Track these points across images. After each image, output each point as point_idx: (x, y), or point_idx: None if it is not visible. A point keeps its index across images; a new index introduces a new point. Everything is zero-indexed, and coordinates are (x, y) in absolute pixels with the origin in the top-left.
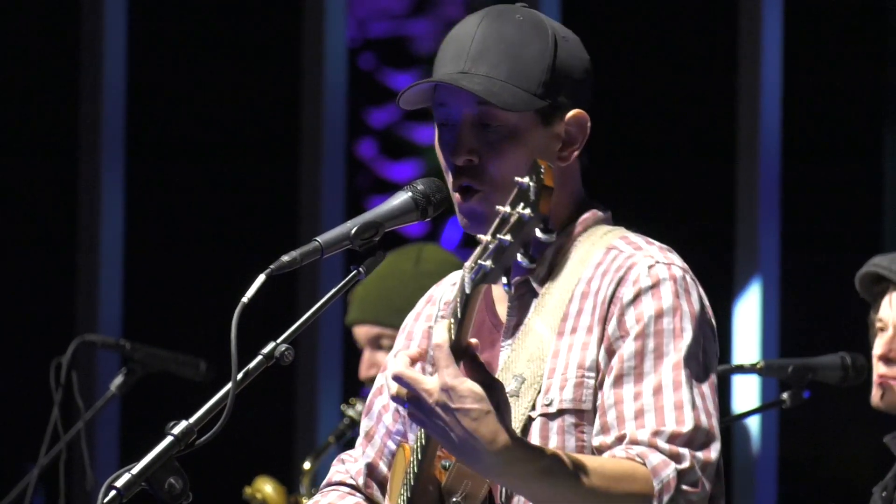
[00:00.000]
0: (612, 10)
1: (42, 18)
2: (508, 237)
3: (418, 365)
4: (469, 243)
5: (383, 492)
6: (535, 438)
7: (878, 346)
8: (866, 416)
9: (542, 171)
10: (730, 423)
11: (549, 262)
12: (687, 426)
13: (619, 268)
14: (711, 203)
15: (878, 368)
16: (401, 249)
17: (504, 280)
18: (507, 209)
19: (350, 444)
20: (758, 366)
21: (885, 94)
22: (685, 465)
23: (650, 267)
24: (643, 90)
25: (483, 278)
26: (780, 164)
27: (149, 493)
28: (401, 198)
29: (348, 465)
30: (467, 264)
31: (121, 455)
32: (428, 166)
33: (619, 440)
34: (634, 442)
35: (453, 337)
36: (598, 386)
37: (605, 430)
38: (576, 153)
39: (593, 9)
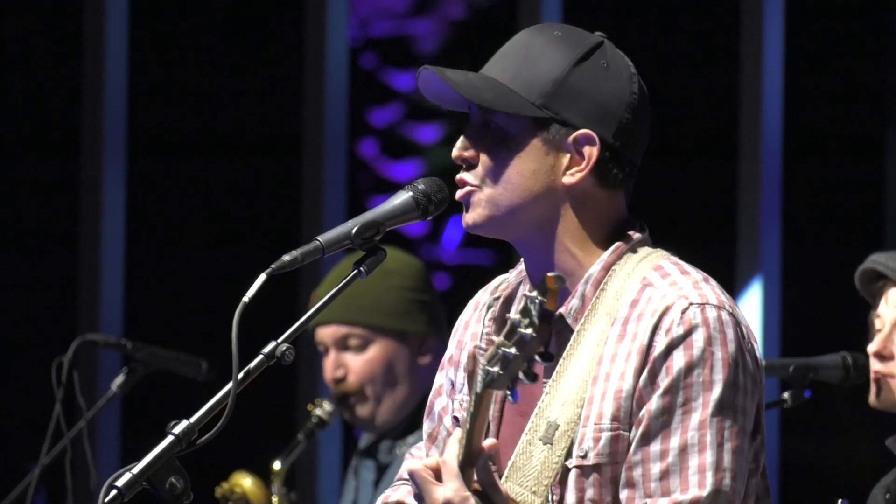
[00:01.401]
0: (613, 8)
1: (44, 17)
2: (513, 350)
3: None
4: (470, 243)
5: None
6: (570, 490)
7: (874, 344)
8: (868, 415)
9: (547, 293)
10: None
11: (582, 293)
12: (707, 490)
13: (655, 311)
14: (713, 201)
15: (873, 365)
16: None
17: (509, 389)
18: (518, 317)
19: (318, 441)
20: None
21: (887, 92)
22: None
23: (683, 311)
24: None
25: (490, 384)
26: (782, 162)
27: (150, 492)
28: (402, 197)
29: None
30: (480, 363)
31: (122, 454)
32: (429, 166)
33: None
34: None
35: (463, 447)
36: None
37: (630, 484)
38: (581, 174)
39: (594, 8)
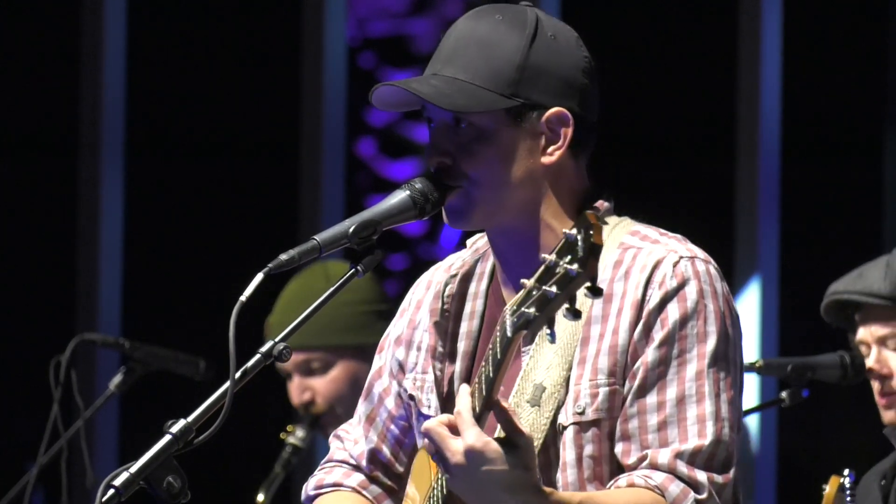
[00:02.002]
0: (611, 8)
1: (42, 17)
2: (554, 289)
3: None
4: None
5: (387, 475)
6: (569, 447)
7: (868, 365)
8: (865, 414)
9: (592, 228)
10: None
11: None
12: (708, 439)
13: (644, 267)
14: (711, 201)
15: (875, 387)
16: (304, 272)
17: (548, 330)
18: (553, 258)
19: (297, 471)
20: (757, 364)
21: (886, 93)
22: (703, 495)
23: (675, 264)
24: (643, 88)
25: (526, 325)
26: (780, 162)
27: (147, 491)
28: (399, 196)
29: (347, 445)
30: (508, 307)
31: (120, 454)
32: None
33: (641, 460)
34: (654, 466)
35: (481, 396)
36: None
37: (625, 437)
38: (559, 151)
39: (593, 7)
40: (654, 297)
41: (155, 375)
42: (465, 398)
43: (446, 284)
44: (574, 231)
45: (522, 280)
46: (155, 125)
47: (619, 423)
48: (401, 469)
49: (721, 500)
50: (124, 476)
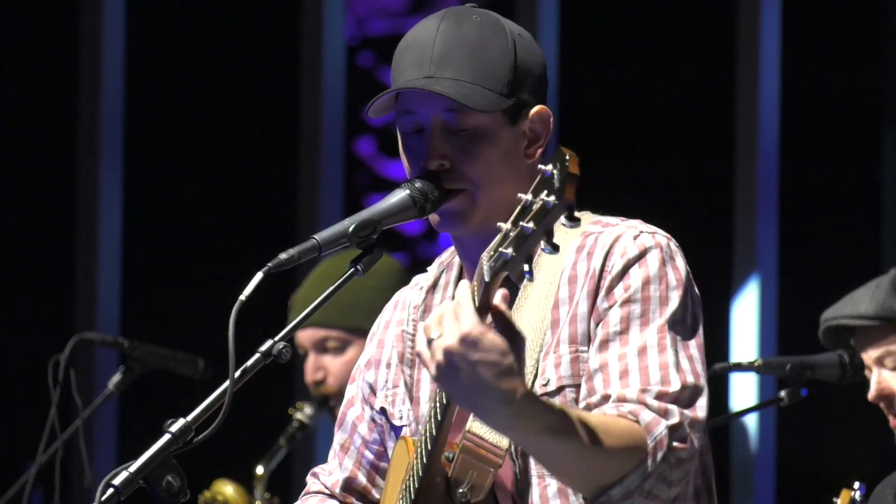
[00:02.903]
0: (610, 7)
1: (41, 16)
2: (531, 224)
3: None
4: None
5: (363, 501)
6: None
7: (870, 392)
8: (864, 413)
9: (567, 158)
10: (728, 421)
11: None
12: (673, 386)
13: (605, 244)
14: (709, 200)
15: (884, 409)
16: (339, 254)
17: (526, 267)
18: (529, 197)
19: (301, 447)
20: (756, 364)
21: (884, 92)
22: (674, 420)
23: (635, 237)
24: (641, 87)
25: (503, 266)
26: (778, 161)
27: (147, 490)
28: (398, 195)
29: (323, 479)
30: (485, 253)
31: (119, 453)
32: None
33: (605, 399)
34: (623, 400)
35: (477, 303)
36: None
37: (591, 393)
38: (541, 150)
39: (592, 6)
40: (615, 266)
41: (154, 374)
42: (465, 289)
43: (412, 297)
44: (549, 166)
45: (499, 224)
46: (153, 125)
47: (583, 382)
48: (377, 496)
49: (695, 433)
50: (124, 475)
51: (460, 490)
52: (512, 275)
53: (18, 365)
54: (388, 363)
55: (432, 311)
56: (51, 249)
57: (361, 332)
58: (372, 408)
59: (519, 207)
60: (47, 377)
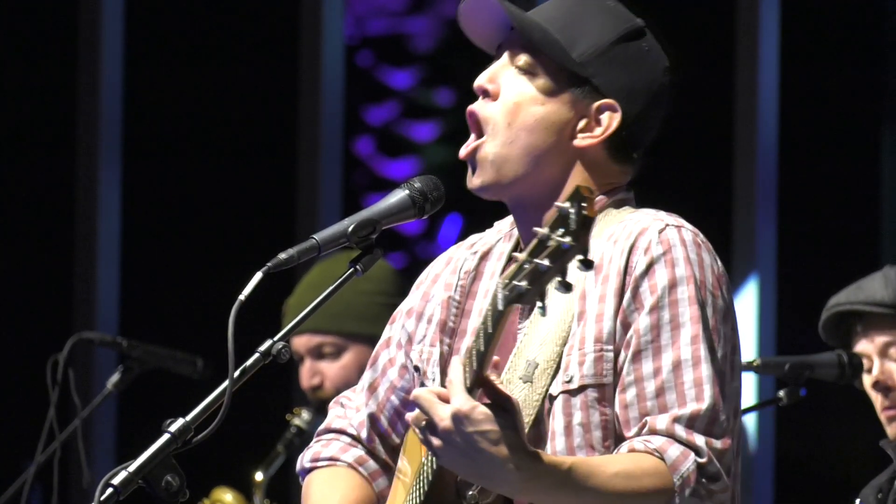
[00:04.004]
0: None
1: (40, 16)
2: (546, 262)
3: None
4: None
5: (384, 445)
6: (558, 416)
7: (869, 378)
8: (863, 413)
9: (586, 200)
10: None
11: None
12: (706, 402)
13: (630, 234)
14: (708, 200)
15: (877, 401)
16: (332, 258)
17: (539, 304)
18: (546, 231)
19: (298, 451)
20: (755, 363)
21: (883, 92)
22: (703, 459)
23: (660, 231)
24: None
25: (517, 298)
26: (777, 161)
27: (146, 490)
28: (398, 195)
29: (349, 413)
30: (500, 280)
31: (118, 452)
32: (425, 164)
33: (640, 428)
34: (653, 431)
35: (472, 370)
36: (616, 358)
37: (623, 406)
38: (590, 140)
39: None
40: (640, 263)
41: (153, 374)
42: (456, 368)
43: (465, 261)
44: (567, 204)
45: (514, 254)
46: (152, 124)
47: (617, 393)
48: (397, 440)
49: (721, 465)
50: (123, 475)
51: (470, 492)
52: (527, 305)
53: (17, 364)
54: (430, 319)
55: (479, 282)
56: (50, 249)
57: (356, 337)
58: (407, 355)
59: (535, 240)
60: (46, 377)
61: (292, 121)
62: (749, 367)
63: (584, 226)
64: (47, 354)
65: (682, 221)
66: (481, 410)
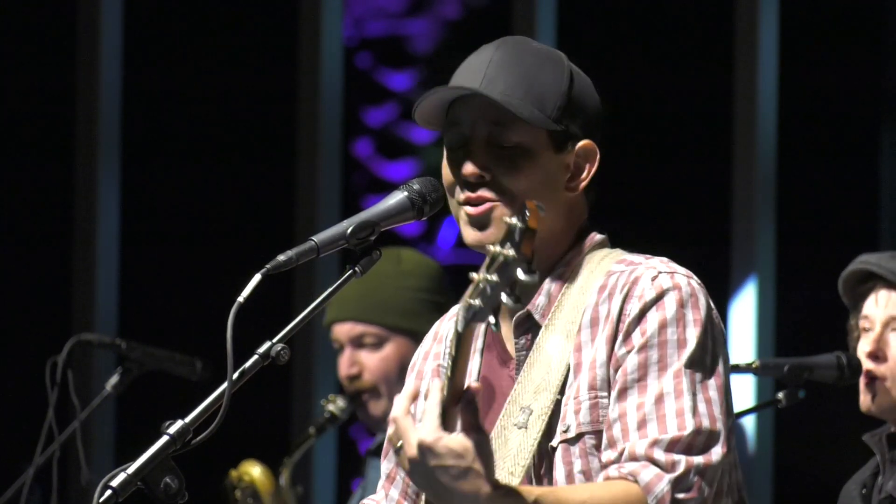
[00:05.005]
0: (607, 9)
1: (39, 18)
2: (495, 277)
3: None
4: (465, 244)
5: None
6: (559, 466)
7: (866, 344)
8: (862, 415)
9: (528, 212)
10: None
11: (548, 291)
12: (688, 430)
13: (624, 285)
14: (707, 201)
15: (866, 365)
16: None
17: (492, 319)
18: (498, 248)
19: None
20: (753, 365)
21: (882, 93)
22: (679, 471)
23: (653, 279)
24: (639, 88)
25: (473, 317)
26: (776, 162)
27: (144, 492)
28: (397, 197)
29: None
30: (461, 304)
31: (117, 454)
32: (424, 166)
33: (619, 454)
34: (632, 457)
35: (444, 392)
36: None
37: (611, 444)
38: (583, 185)
39: (589, 8)
40: (633, 309)
41: (152, 376)
42: (434, 394)
43: (449, 330)
44: (514, 219)
45: (471, 273)
46: (151, 126)
47: (604, 432)
48: None
49: (705, 481)
50: (122, 477)
51: None
52: (483, 324)
53: (16, 366)
54: (426, 395)
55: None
56: (49, 251)
57: (398, 331)
58: None
59: (488, 258)
60: (45, 378)
61: (291, 122)
62: (748, 368)
63: (525, 236)
64: (46, 356)
65: (675, 267)
66: (444, 444)
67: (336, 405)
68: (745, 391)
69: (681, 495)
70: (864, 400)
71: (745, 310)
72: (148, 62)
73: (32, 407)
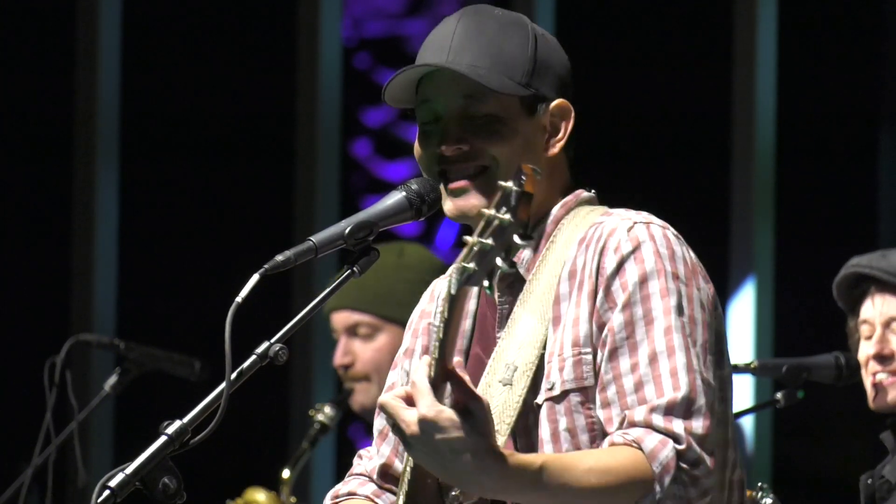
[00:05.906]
0: (606, 8)
1: (37, 19)
2: (490, 240)
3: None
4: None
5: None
6: (544, 424)
7: (870, 347)
8: (861, 415)
9: (525, 176)
10: None
11: (535, 247)
12: (683, 390)
13: (600, 237)
14: (706, 202)
15: (872, 368)
16: (385, 245)
17: (486, 283)
18: (492, 211)
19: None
20: (752, 365)
21: (880, 93)
22: (682, 445)
23: (629, 230)
24: (638, 88)
25: (466, 280)
26: (775, 162)
27: (143, 492)
28: (395, 197)
29: (365, 463)
30: (454, 266)
31: (115, 455)
32: None
33: (621, 422)
34: (632, 424)
35: (434, 363)
36: (595, 359)
37: (605, 405)
38: (560, 144)
39: (587, 7)
40: (610, 263)
41: (150, 376)
42: (420, 368)
43: (443, 288)
44: (510, 183)
45: (465, 237)
46: (150, 126)
47: (597, 393)
48: None
49: (704, 450)
50: (120, 477)
51: (452, 493)
52: (479, 287)
53: (14, 366)
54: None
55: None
56: (47, 251)
57: (392, 321)
58: None
59: (483, 222)
60: (43, 379)
61: (290, 122)
62: (746, 369)
63: (522, 200)
64: (44, 356)
65: (651, 218)
66: (447, 416)
67: (325, 414)
68: (743, 391)
69: (686, 466)
70: (879, 398)
71: (743, 310)
72: (146, 62)
73: (31, 407)
